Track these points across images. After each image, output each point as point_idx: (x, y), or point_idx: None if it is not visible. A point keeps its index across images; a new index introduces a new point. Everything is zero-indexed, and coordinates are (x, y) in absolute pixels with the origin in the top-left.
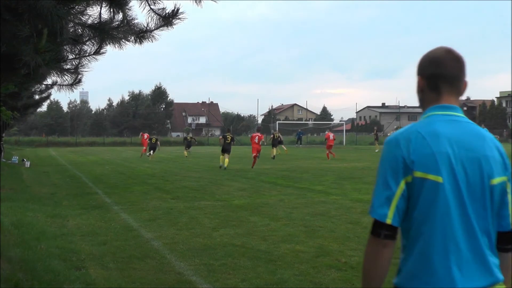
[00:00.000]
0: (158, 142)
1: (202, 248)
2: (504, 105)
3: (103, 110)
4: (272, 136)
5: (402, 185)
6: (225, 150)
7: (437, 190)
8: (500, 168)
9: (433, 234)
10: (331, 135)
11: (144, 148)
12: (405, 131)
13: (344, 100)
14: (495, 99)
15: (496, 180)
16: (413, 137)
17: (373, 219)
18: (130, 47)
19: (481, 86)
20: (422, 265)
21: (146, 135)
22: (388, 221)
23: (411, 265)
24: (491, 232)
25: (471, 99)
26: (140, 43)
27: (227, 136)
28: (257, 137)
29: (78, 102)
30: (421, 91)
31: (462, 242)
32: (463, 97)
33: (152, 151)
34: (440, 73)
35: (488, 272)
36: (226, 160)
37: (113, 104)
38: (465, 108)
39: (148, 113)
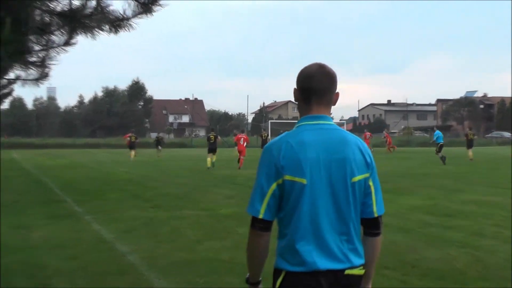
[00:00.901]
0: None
1: (185, 263)
2: None
3: (73, 108)
4: (260, 136)
5: (274, 186)
6: (211, 150)
7: (303, 189)
8: (362, 167)
9: (299, 224)
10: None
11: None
12: (278, 140)
13: (345, 96)
14: None
15: (357, 178)
16: (283, 146)
17: (250, 215)
18: (104, 38)
19: (499, 82)
20: (290, 249)
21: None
22: (260, 216)
23: (283, 249)
24: (354, 222)
25: (488, 95)
26: (116, 33)
27: (211, 136)
28: (242, 138)
29: (45, 99)
30: (297, 101)
31: (325, 231)
32: (480, 94)
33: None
34: (311, 87)
35: (347, 256)
36: (214, 157)
37: (85, 101)
38: (481, 106)
39: (125, 111)
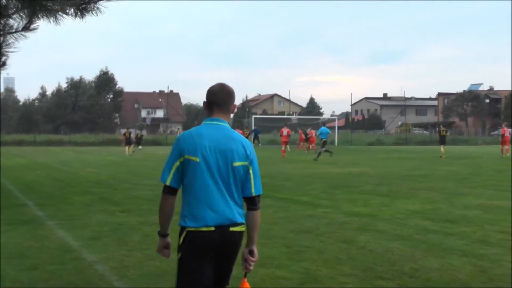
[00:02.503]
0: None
1: (159, 274)
2: None
3: (34, 101)
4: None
5: (177, 163)
6: None
7: (196, 165)
8: (242, 157)
9: (194, 191)
10: (285, 131)
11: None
12: (186, 133)
13: (336, 89)
14: None
15: (237, 164)
16: (187, 136)
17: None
18: (69, 22)
19: (507, 74)
20: (189, 210)
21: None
22: (168, 183)
23: (184, 210)
24: (235, 194)
25: (495, 89)
26: (82, 17)
27: None
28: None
29: (2, 90)
30: (205, 110)
31: (213, 196)
32: (485, 87)
33: (128, 145)
34: (213, 100)
35: (230, 216)
36: None
37: (47, 93)
38: (487, 101)
39: (92, 105)
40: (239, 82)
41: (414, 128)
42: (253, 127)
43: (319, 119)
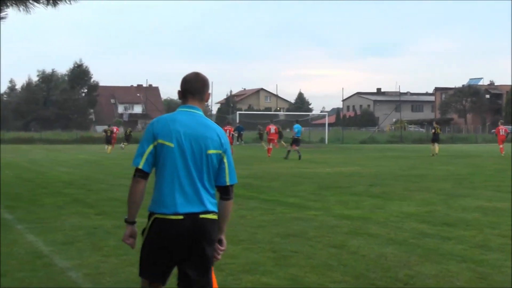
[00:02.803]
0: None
1: (137, 281)
2: None
3: (2, 95)
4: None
5: (151, 147)
6: None
7: (170, 151)
8: (216, 145)
9: (166, 176)
10: (273, 128)
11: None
12: (160, 117)
13: (327, 84)
14: None
15: (211, 151)
16: (161, 121)
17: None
18: (40, 11)
19: (508, 68)
20: (159, 195)
21: (116, 129)
22: (140, 166)
23: (155, 195)
24: (208, 181)
25: (496, 84)
26: (54, 5)
27: None
28: (228, 130)
29: None
30: (180, 99)
31: (185, 183)
32: (485, 82)
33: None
34: (188, 89)
35: (202, 204)
36: None
37: (17, 87)
38: (487, 96)
39: (65, 100)
40: (222, 75)
41: (410, 125)
42: (237, 124)
43: (308, 115)
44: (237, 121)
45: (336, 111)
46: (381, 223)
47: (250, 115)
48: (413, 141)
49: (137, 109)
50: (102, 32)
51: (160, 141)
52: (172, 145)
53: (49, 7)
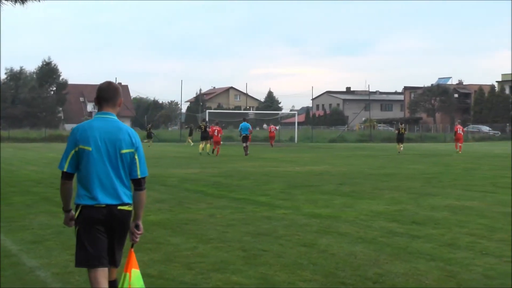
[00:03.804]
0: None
1: None
2: (507, 91)
3: None
4: (199, 127)
5: (73, 152)
6: (203, 138)
7: (89, 154)
8: (128, 144)
9: (87, 175)
10: (215, 129)
11: None
12: (79, 125)
13: (296, 83)
14: (496, 84)
15: (125, 151)
16: (80, 129)
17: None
18: (8, 9)
19: (477, 67)
20: (83, 191)
21: None
22: (65, 170)
23: (80, 191)
24: (124, 177)
25: (464, 83)
26: (23, 3)
27: (201, 125)
28: (216, 130)
29: None
30: (96, 104)
31: (103, 180)
32: (455, 82)
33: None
34: (102, 96)
35: (118, 197)
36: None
37: None
38: (456, 95)
39: (33, 98)
40: (193, 73)
41: (379, 124)
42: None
43: (278, 114)
44: (206, 119)
45: (306, 110)
46: (351, 222)
47: (219, 113)
48: (382, 140)
49: None
50: (71, 30)
51: (80, 146)
52: (90, 149)
53: (18, 4)
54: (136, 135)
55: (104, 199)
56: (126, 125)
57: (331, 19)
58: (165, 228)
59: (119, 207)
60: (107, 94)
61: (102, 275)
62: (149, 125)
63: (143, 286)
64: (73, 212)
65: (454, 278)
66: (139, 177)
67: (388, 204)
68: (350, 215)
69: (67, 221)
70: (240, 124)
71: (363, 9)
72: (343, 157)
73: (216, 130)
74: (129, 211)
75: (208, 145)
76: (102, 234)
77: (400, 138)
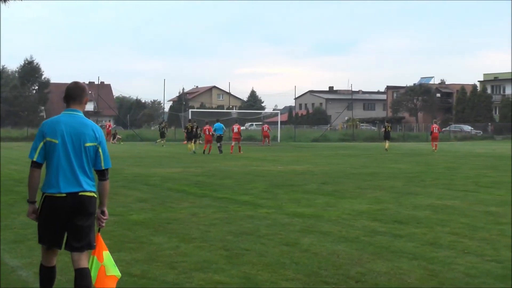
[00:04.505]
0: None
1: None
2: (489, 91)
3: None
4: (186, 128)
5: (41, 143)
6: (189, 138)
7: (56, 146)
8: (92, 139)
9: (53, 165)
10: (236, 127)
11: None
12: (48, 120)
13: (279, 82)
14: (478, 84)
15: (88, 144)
16: (49, 123)
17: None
18: None
19: (459, 67)
20: (48, 180)
21: (108, 125)
22: (34, 159)
23: (45, 179)
24: (87, 167)
25: (446, 83)
26: (4, 1)
27: (188, 126)
28: (207, 129)
29: None
30: (64, 102)
31: (67, 170)
32: (437, 81)
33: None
34: (69, 95)
35: (79, 185)
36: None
37: None
38: (438, 95)
39: (15, 97)
40: (174, 72)
41: (362, 124)
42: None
43: (261, 113)
44: (190, 119)
45: (289, 109)
46: (333, 221)
47: (202, 113)
48: (365, 139)
49: (89, 106)
50: (53, 29)
51: (48, 139)
52: (57, 141)
53: (1, 4)
54: (100, 130)
55: (66, 188)
56: (91, 121)
57: (315, 19)
58: (148, 228)
59: (80, 193)
60: (74, 93)
61: (54, 257)
62: (162, 124)
63: (114, 263)
64: (36, 205)
65: (436, 277)
66: (103, 168)
67: (370, 203)
68: (333, 215)
69: (30, 213)
70: (214, 125)
71: (346, 9)
72: (326, 157)
73: (207, 130)
74: (91, 197)
75: (192, 144)
76: (62, 221)
77: (386, 136)
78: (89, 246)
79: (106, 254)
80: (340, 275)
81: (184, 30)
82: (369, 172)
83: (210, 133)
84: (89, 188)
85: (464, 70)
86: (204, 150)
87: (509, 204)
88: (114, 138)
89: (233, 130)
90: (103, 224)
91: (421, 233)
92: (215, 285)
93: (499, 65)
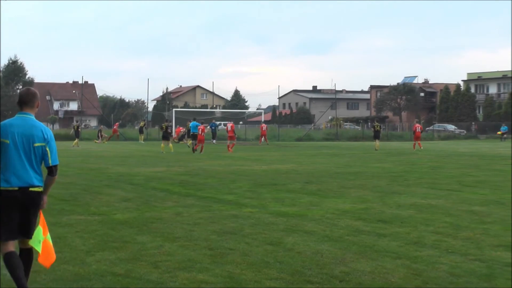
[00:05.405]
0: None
1: (73, 279)
2: (472, 90)
3: None
4: (161, 128)
5: None
6: (164, 137)
7: (7, 146)
8: (41, 139)
9: (6, 163)
10: (229, 125)
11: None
12: (2, 122)
13: (263, 81)
14: (461, 83)
15: (37, 144)
16: (2, 125)
17: None
18: None
19: (443, 66)
20: (3, 176)
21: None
22: None
23: (1, 177)
24: (36, 165)
25: (430, 82)
26: None
27: (163, 126)
28: (200, 129)
29: None
30: (18, 105)
31: (18, 167)
32: (421, 81)
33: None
34: (22, 100)
35: (30, 181)
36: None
37: None
38: (422, 94)
39: None
40: (158, 72)
41: (345, 123)
42: (173, 121)
43: (244, 112)
44: (173, 118)
45: (272, 108)
46: (317, 220)
47: (186, 112)
48: (348, 139)
49: (73, 105)
50: (37, 28)
51: (1, 140)
52: (8, 142)
53: None
54: (49, 131)
55: (17, 183)
56: (42, 123)
57: (297, 18)
58: (132, 227)
59: (30, 189)
60: (26, 98)
61: (11, 245)
62: (141, 123)
63: (40, 239)
64: None
65: (420, 276)
66: (51, 165)
67: (354, 203)
68: (317, 214)
69: None
70: (190, 123)
71: (329, 8)
72: (310, 156)
73: (200, 129)
74: (40, 192)
75: (171, 144)
76: (15, 213)
77: (376, 135)
78: (29, 235)
79: (39, 229)
80: (324, 274)
81: (168, 30)
82: (353, 171)
83: (202, 133)
84: (37, 183)
85: (447, 70)
86: (195, 150)
87: (493, 203)
88: (100, 137)
89: (226, 129)
90: (44, 206)
91: (405, 232)
92: (199, 285)
93: (483, 65)
